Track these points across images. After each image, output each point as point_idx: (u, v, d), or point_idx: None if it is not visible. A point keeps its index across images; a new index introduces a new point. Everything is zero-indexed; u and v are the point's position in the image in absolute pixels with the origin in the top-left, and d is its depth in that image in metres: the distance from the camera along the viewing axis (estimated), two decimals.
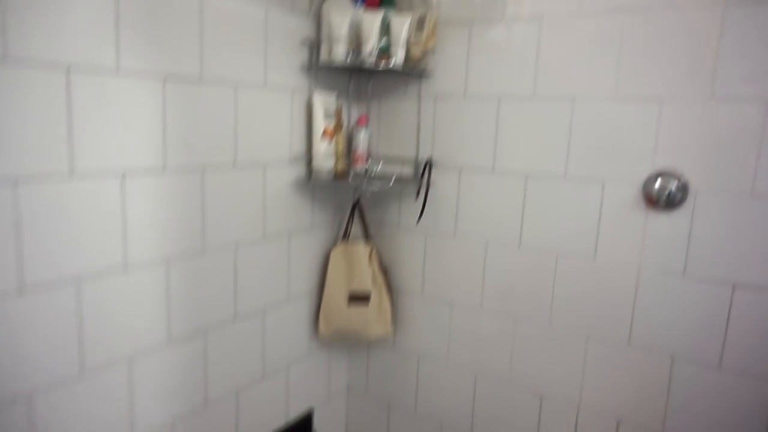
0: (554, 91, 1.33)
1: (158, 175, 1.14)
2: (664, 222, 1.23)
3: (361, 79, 1.65)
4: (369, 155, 1.64)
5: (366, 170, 1.61)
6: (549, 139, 1.35)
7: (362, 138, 1.61)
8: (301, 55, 1.45)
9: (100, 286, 1.06)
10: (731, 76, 1.13)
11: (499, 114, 1.42)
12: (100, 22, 0.99)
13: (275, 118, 1.41)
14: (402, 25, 1.41)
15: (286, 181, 1.48)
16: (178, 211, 1.19)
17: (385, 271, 1.68)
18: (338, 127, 1.54)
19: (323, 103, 1.47)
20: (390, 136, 1.63)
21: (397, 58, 1.42)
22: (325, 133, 1.47)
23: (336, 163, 1.52)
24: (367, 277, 1.61)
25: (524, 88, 1.37)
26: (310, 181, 1.52)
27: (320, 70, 1.51)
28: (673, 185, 1.20)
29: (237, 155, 1.31)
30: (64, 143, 0.97)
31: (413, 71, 1.49)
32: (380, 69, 1.43)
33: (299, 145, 1.50)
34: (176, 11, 1.12)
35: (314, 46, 1.47)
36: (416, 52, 1.46)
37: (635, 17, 1.21)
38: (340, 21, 1.38)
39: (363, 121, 1.62)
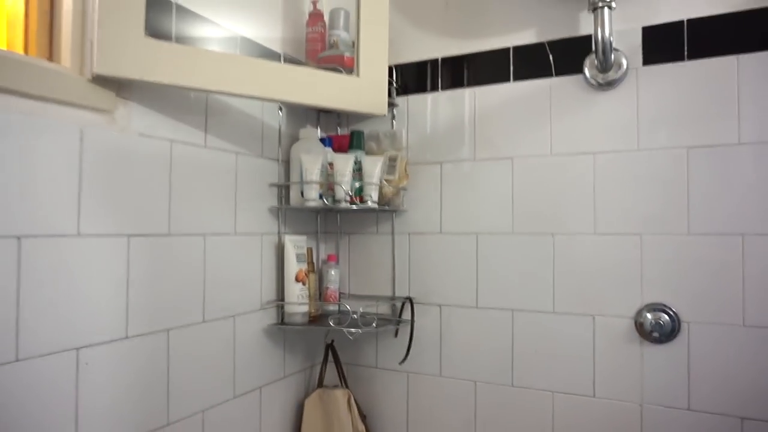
0: (533, 227, 1.34)
1: (119, 345, 1.00)
2: (661, 354, 1.21)
3: (330, 217, 1.61)
4: (340, 294, 1.57)
5: (339, 310, 1.53)
6: (533, 274, 1.34)
7: (333, 276, 1.53)
8: (270, 199, 1.40)
9: None
10: (705, 214, 1.17)
11: (479, 250, 1.40)
12: (60, 190, 0.90)
13: (245, 265, 1.32)
14: (374, 166, 1.40)
15: (257, 329, 1.36)
16: (138, 385, 1.04)
17: (365, 417, 1.54)
18: (310, 268, 1.46)
19: (295, 245, 1.40)
20: (362, 273, 1.57)
21: (372, 198, 1.40)
22: (298, 276, 1.39)
23: (310, 306, 1.43)
24: (347, 428, 1.46)
25: (502, 224, 1.37)
26: (282, 327, 1.41)
27: (289, 211, 1.46)
28: (663, 318, 1.19)
29: (206, 309, 1.20)
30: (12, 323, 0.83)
31: (386, 210, 1.47)
32: (355, 209, 1.40)
33: (270, 290, 1.40)
34: (146, 169, 1.05)
35: (284, 189, 1.43)
36: (389, 191, 1.45)
37: (607, 157, 1.26)
38: (311, 165, 1.35)
39: (333, 258, 1.56)
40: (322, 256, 1.60)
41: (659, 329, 1.19)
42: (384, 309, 1.53)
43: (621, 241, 1.24)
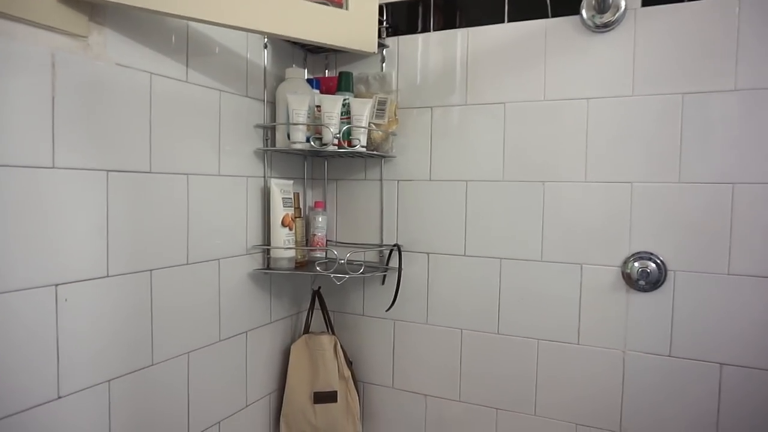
0: (523, 175, 1.32)
1: (99, 284, 0.98)
2: (646, 302, 1.21)
3: (317, 162, 1.57)
4: (327, 240, 1.55)
5: (326, 257, 1.51)
6: (522, 223, 1.33)
7: (320, 223, 1.51)
8: (255, 140, 1.36)
9: (31, 422, 0.87)
10: (696, 163, 1.16)
11: (468, 197, 1.38)
12: (33, 118, 0.86)
13: (230, 208, 1.29)
14: (363, 109, 1.36)
15: (243, 274, 1.34)
16: (121, 324, 1.03)
17: (351, 363, 1.55)
18: (297, 214, 1.44)
19: (281, 190, 1.37)
20: (350, 220, 1.55)
21: (360, 142, 1.36)
22: (284, 221, 1.36)
23: (296, 251, 1.41)
24: (333, 373, 1.47)
25: (492, 171, 1.35)
26: (268, 272, 1.39)
27: (275, 154, 1.42)
28: (650, 266, 1.19)
29: (189, 251, 1.17)
30: None
31: (375, 155, 1.44)
32: (343, 154, 1.36)
33: (256, 235, 1.38)
34: (125, 102, 1.00)
35: (269, 130, 1.38)
36: (378, 135, 1.41)
37: (600, 103, 1.23)
38: (298, 106, 1.31)
39: (320, 205, 1.54)
40: (309, 202, 1.57)
41: (645, 277, 1.19)
42: (371, 256, 1.52)
43: (611, 189, 1.23)
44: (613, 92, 1.22)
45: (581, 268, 1.27)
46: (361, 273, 1.38)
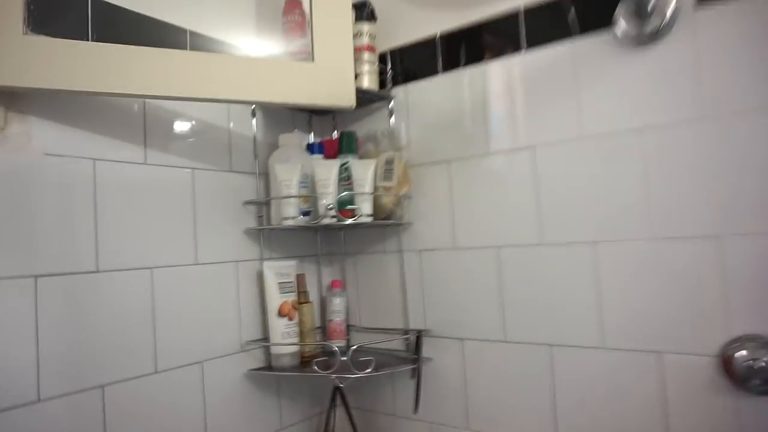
0: (567, 236, 1.01)
1: (29, 412, 0.82)
2: (762, 407, 0.83)
3: (333, 235, 1.37)
4: (349, 326, 1.32)
5: (349, 346, 1.27)
6: (572, 297, 1.01)
7: (337, 306, 1.29)
8: (247, 219, 1.19)
9: None
10: None
11: (501, 267, 1.09)
12: None
13: (215, 300, 1.11)
14: (365, 172, 1.15)
15: (237, 375, 1.14)
16: None
17: None
18: (301, 299, 1.23)
19: (277, 273, 1.17)
20: (372, 300, 1.31)
21: (363, 210, 1.14)
22: (282, 310, 1.16)
23: (302, 344, 1.19)
24: None
25: (526, 233, 1.06)
26: (264, 372, 1.18)
27: (276, 231, 1.24)
28: (759, 363, 0.82)
29: (158, 357, 1.00)
30: None
31: (388, 222, 1.21)
32: (346, 226, 1.15)
33: (254, 328, 1.19)
34: (61, 195, 0.88)
35: (263, 207, 1.21)
36: (388, 200, 1.18)
37: (659, 133, 0.92)
38: (287, 176, 1.13)
39: (338, 284, 1.32)
40: (327, 281, 1.36)
41: (760, 375, 0.82)
42: (399, 343, 1.26)
43: (693, 247, 0.89)
44: (674, 117, 0.90)
45: (661, 359, 0.91)
46: (372, 371, 1.11)
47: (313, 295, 1.32)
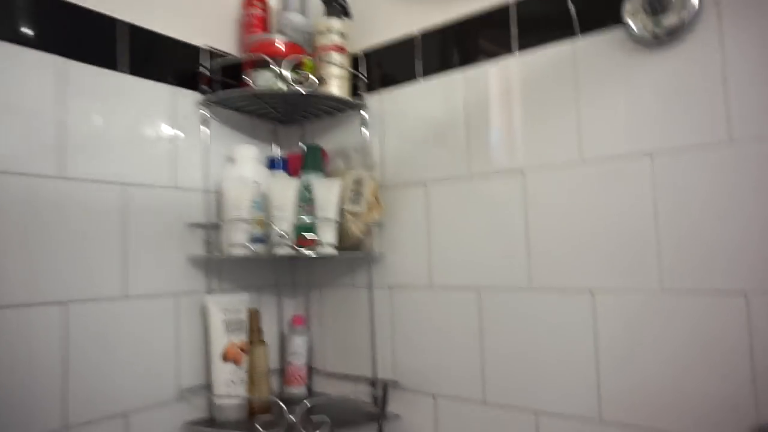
0: (561, 280, 0.83)
1: None
2: None
3: (296, 263, 1.20)
4: (311, 369, 1.15)
5: (310, 392, 1.11)
6: (564, 357, 0.83)
7: (297, 347, 1.12)
8: (191, 245, 1.03)
9: None
10: None
11: (483, 313, 0.92)
12: None
13: (148, 339, 0.95)
14: (329, 194, 0.98)
15: (171, 428, 0.97)
16: None
17: None
18: (254, 338, 1.06)
19: (224, 309, 1.01)
20: (338, 341, 1.14)
21: (325, 238, 0.97)
22: (227, 354, 0.99)
23: (252, 392, 1.02)
24: None
25: (512, 275, 0.88)
26: (201, 428, 1.00)
27: (225, 262, 1.08)
28: None
29: (71, 408, 0.83)
30: None
31: (355, 255, 1.04)
32: (303, 257, 0.98)
33: (196, 371, 1.02)
34: None
35: (211, 230, 1.05)
36: (356, 228, 1.01)
37: (674, 159, 0.74)
38: (238, 196, 0.96)
39: (299, 321, 1.15)
40: (288, 315, 1.19)
41: None
42: (365, 391, 1.08)
43: (711, 303, 0.71)
44: (694, 139, 0.73)
45: None
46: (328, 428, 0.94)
47: (273, 332, 1.16)
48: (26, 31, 0.82)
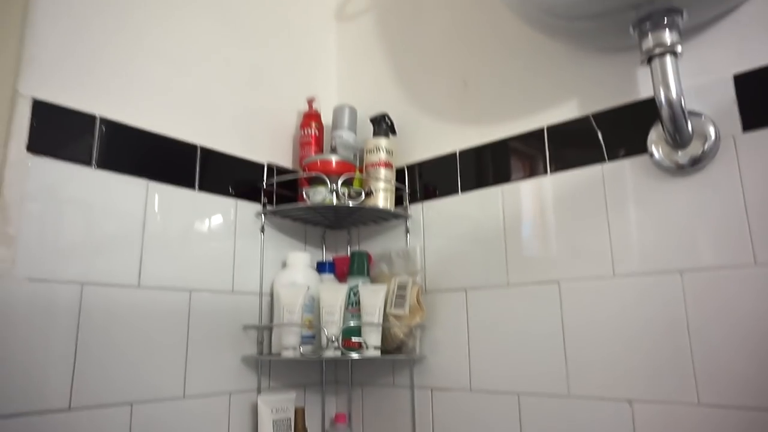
0: (599, 389, 0.87)
1: None
2: None
3: (338, 362, 1.25)
4: None
5: None
6: None
7: None
8: (246, 345, 1.10)
9: None
10: None
11: (523, 419, 0.95)
12: None
13: None
14: (374, 299, 1.05)
15: None
16: None
17: None
18: None
19: (273, 409, 1.06)
20: None
21: (370, 341, 1.03)
22: None
23: None
24: None
25: (551, 381, 0.92)
26: None
27: (275, 362, 1.14)
28: None
29: None
30: None
31: (398, 357, 1.09)
32: (351, 359, 1.04)
33: None
34: (38, 326, 0.82)
35: (264, 332, 1.12)
36: (399, 331, 1.07)
37: (703, 277, 0.80)
38: (290, 301, 1.04)
39: (342, 419, 1.18)
40: (331, 413, 1.23)
41: None
42: None
43: (747, 417, 0.73)
44: (722, 260, 0.78)
45: None
46: None
47: (316, 429, 1.19)
48: (123, 161, 0.95)
